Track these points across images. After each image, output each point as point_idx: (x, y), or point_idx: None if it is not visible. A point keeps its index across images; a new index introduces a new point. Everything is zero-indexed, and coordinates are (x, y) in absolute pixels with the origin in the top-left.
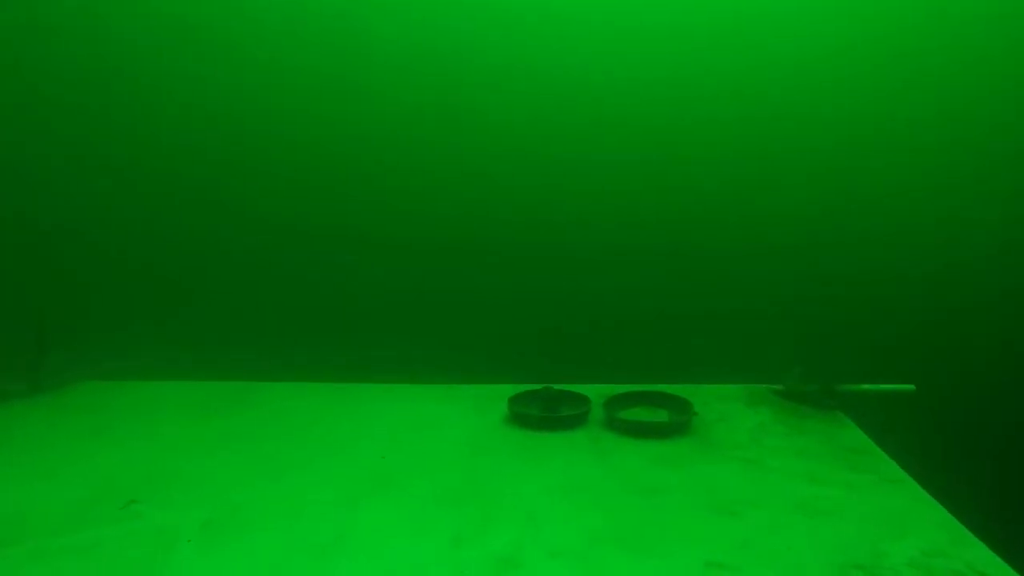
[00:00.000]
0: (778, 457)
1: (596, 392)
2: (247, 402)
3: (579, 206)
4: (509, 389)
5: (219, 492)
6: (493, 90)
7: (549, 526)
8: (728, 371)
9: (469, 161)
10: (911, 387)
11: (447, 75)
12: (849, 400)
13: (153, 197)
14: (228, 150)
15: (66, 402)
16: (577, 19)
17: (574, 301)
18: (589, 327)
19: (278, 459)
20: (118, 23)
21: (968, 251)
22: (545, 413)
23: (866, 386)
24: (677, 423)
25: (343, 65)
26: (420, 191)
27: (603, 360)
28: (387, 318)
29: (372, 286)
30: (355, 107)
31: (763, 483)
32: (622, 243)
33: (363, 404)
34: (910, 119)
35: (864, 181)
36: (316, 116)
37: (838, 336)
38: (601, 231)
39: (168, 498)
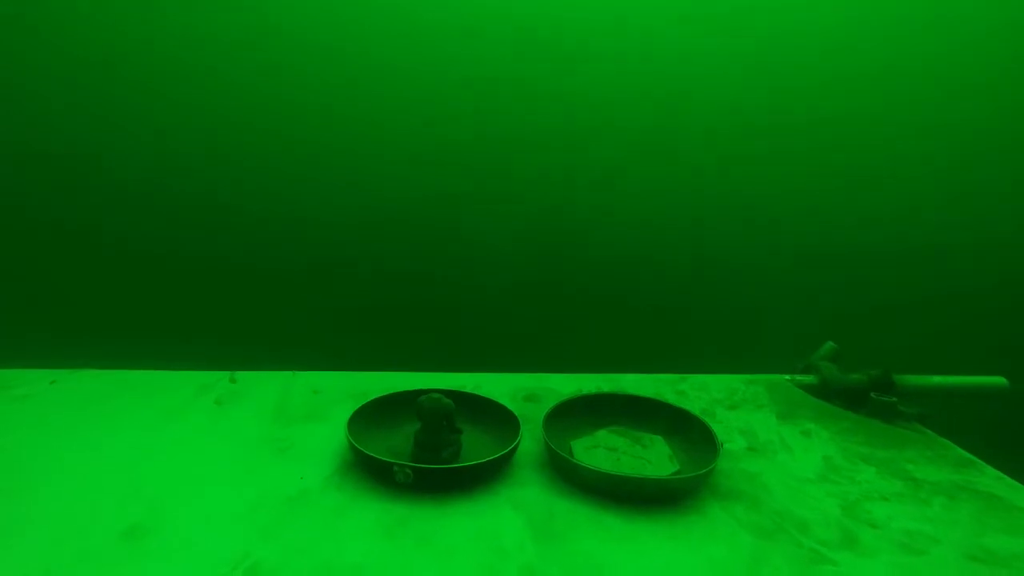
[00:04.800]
0: None
1: (513, 387)
2: None
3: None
4: (347, 381)
5: None
6: None
7: None
8: (717, 352)
9: None
10: (1003, 380)
11: None
12: (918, 400)
13: None
14: None
15: None
16: None
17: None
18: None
19: None
20: None
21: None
22: (426, 457)
23: (938, 379)
24: (696, 477)
25: None
26: None
27: (530, 341)
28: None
29: None
30: None
31: None
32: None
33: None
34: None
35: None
36: None
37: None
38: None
39: None
